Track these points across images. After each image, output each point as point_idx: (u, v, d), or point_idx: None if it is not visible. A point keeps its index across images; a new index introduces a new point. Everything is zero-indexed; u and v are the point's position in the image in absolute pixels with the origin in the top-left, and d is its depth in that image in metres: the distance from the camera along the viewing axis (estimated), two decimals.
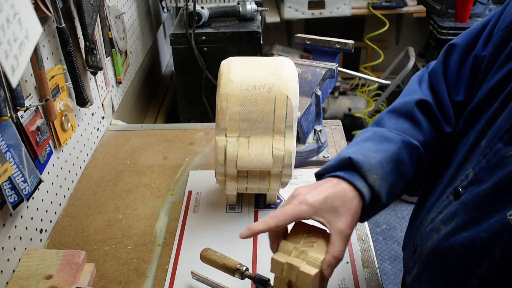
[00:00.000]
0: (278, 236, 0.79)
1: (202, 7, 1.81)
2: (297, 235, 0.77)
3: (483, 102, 0.77)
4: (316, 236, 0.76)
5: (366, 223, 1.09)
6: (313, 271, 0.71)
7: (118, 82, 1.62)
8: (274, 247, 0.78)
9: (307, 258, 0.73)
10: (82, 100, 1.19)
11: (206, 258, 0.91)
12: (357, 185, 0.76)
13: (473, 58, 0.83)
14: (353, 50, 1.32)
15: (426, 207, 0.85)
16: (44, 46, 1.09)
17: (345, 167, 0.79)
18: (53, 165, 1.13)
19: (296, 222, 0.77)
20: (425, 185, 0.90)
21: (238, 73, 1.00)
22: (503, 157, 0.69)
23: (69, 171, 1.22)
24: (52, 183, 1.13)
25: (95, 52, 1.22)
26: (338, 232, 0.74)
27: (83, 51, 1.23)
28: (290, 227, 0.80)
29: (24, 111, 0.97)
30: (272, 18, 2.69)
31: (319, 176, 0.83)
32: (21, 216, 0.98)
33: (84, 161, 1.32)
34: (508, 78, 0.72)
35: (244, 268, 0.87)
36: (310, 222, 0.79)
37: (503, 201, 0.67)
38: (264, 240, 1.04)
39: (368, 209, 0.79)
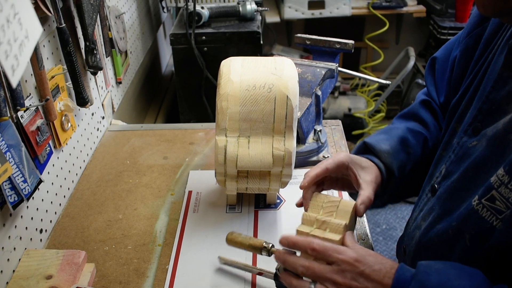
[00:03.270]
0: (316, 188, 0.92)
1: (202, 7, 1.81)
2: (316, 207, 0.84)
3: (454, 105, 0.86)
4: (334, 206, 0.82)
5: (366, 223, 1.09)
6: (337, 237, 0.77)
7: (118, 82, 1.62)
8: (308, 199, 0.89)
9: (330, 226, 0.79)
10: (82, 100, 1.19)
11: (233, 240, 0.94)
12: (373, 160, 0.92)
13: (449, 65, 0.95)
14: (353, 50, 1.32)
15: (412, 209, 0.92)
16: (44, 46, 1.09)
17: (362, 151, 0.96)
18: (53, 165, 1.13)
19: (314, 193, 0.86)
20: None
21: (238, 73, 1.00)
22: (467, 148, 0.76)
23: (69, 171, 1.22)
24: (52, 183, 1.13)
25: (95, 52, 1.22)
26: (366, 181, 0.87)
27: (83, 51, 1.23)
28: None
29: (24, 111, 0.97)
30: (272, 18, 2.69)
31: None
32: (21, 216, 0.98)
33: (84, 161, 1.32)
34: (472, 82, 0.82)
35: (270, 245, 0.89)
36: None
37: (469, 189, 0.73)
38: (263, 239, 1.04)
39: (387, 183, 0.94)
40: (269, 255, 0.90)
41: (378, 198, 0.96)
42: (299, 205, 0.93)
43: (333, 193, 1.14)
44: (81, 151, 1.30)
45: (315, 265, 0.73)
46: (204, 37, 1.80)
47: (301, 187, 0.88)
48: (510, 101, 0.71)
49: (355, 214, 0.83)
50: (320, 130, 1.29)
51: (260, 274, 0.93)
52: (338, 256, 0.71)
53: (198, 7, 1.80)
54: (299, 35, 1.38)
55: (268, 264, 0.94)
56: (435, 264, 0.69)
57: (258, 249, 0.90)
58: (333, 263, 0.72)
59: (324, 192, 0.93)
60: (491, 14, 0.72)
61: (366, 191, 0.85)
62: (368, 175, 0.89)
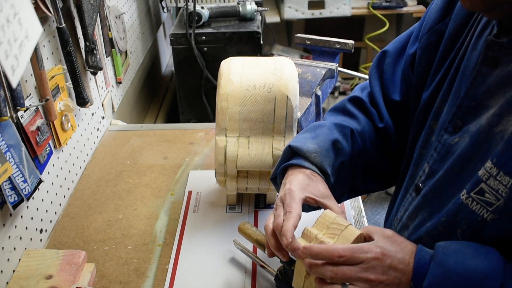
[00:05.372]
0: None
1: (202, 7, 1.81)
2: (322, 225, 0.78)
3: (427, 103, 0.85)
4: (339, 229, 0.77)
5: (366, 223, 1.09)
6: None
7: (118, 82, 1.62)
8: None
9: None
10: (82, 100, 1.19)
11: (243, 231, 0.96)
12: (304, 165, 0.86)
13: (404, 61, 0.92)
14: (353, 50, 1.33)
15: (394, 208, 0.91)
16: (44, 46, 1.09)
17: (290, 156, 0.89)
18: (53, 165, 1.13)
19: (325, 211, 0.80)
20: (394, 190, 0.97)
21: (238, 73, 1.00)
22: (450, 146, 0.76)
23: (69, 171, 1.22)
24: (52, 183, 1.13)
25: (95, 52, 1.22)
26: (325, 197, 0.83)
27: (83, 51, 1.23)
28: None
29: (24, 111, 0.97)
30: (272, 18, 2.69)
31: (275, 178, 0.92)
32: (21, 216, 0.98)
33: (84, 161, 1.32)
34: (443, 79, 0.81)
35: None
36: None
37: (456, 185, 0.73)
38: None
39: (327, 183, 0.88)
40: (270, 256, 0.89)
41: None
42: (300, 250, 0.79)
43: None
44: (81, 151, 1.30)
45: (343, 267, 0.71)
46: (204, 37, 1.80)
47: (286, 246, 0.76)
48: (491, 96, 0.71)
49: (364, 241, 0.77)
50: None
51: (263, 267, 0.94)
52: (367, 256, 0.70)
53: (198, 7, 1.80)
54: (299, 35, 1.39)
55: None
56: (452, 245, 0.70)
57: (262, 246, 0.92)
58: (361, 263, 0.70)
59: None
60: (480, 9, 0.71)
61: (336, 207, 0.82)
62: (319, 188, 0.84)
